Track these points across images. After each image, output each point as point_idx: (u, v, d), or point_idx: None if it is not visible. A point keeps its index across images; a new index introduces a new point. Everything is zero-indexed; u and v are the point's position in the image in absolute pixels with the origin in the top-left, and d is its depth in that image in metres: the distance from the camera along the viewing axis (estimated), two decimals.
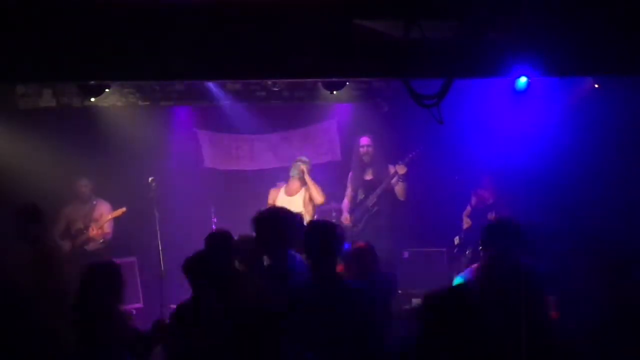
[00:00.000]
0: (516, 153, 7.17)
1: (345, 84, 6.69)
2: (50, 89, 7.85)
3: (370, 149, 7.60)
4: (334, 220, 6.28)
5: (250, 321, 3.31)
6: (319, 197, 7.28)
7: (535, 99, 6.83)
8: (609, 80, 6.42)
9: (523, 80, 5.93)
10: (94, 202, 7.54)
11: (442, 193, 7.63)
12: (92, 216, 7.46)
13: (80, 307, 4.05)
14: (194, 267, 4.21)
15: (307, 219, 6.83)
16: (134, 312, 6.76)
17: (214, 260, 4.32)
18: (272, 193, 7.48)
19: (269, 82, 7.66)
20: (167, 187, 7.68)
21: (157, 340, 4.14)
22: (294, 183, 7.41)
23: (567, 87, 6.82)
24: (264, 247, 4.55)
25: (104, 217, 7.46)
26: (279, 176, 7.78)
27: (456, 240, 7.39)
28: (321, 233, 3.99)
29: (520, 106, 7.03)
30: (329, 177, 7.85)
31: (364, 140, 7.64)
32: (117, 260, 5.36)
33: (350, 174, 7.79)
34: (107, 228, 7.48)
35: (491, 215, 7.02)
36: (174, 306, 4.69)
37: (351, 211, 7.66)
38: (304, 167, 7.38)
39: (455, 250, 7.38)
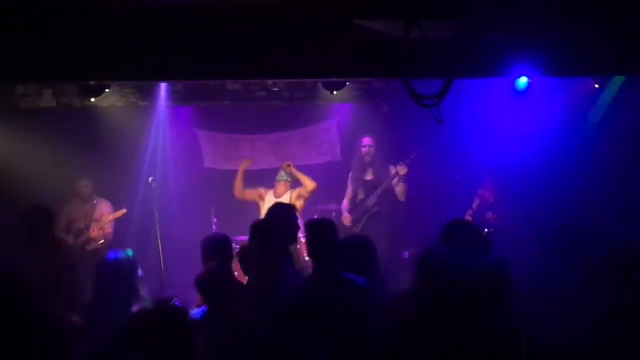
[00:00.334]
0: (516, 153, 7.16)
1: (345, 84, 6.70)
2: (50, 89, 7.84)
3: (372, 149, 7.63)
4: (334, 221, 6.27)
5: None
6: (311, 184, 7.42)
7: (535, 99, 6.82)
8: (609, 80, 6.42)
9: (523, 80, 5.93)
10: (95, 202, 7.54)
11: (442, 193, 7.63)
12: (93, 216, 7.46)
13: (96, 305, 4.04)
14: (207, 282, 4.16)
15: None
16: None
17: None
18: (261, 190, 7.64)
19: (269, 82, 7.66)
20: (167, 187, 7.67)
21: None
22: (280, 187, 7.56)
23: (567, 87, 6.82)
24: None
25: (105, 217, 7.46)
26: None
27: None
28: (323, 233, 4.02)
29: (520, 106, 7.02)
30: (329, 177, 7.86)
31: (366, 140, 7.65)
32: None
33: (351, 174, 7.79)
34: (108, 228, 7.48)
35: (489, 215, 7.03)
36: None
37: (351, 211, 7.67)
38: (290, 168, 7.54)
39: None
